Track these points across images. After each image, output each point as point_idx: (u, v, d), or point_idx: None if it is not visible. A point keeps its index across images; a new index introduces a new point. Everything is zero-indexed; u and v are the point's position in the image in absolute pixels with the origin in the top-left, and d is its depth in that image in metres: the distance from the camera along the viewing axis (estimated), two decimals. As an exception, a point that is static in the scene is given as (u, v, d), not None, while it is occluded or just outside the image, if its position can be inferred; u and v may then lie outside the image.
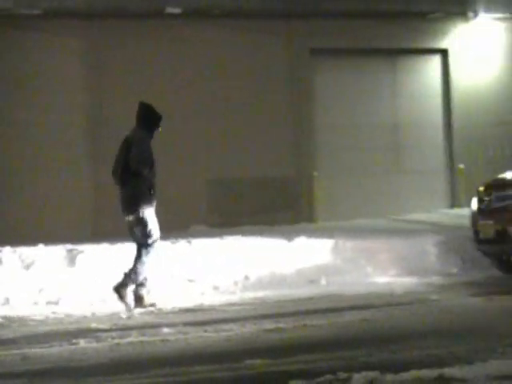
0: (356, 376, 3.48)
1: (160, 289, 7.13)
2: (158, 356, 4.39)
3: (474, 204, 7.65)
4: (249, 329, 5.14)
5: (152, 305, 6.31)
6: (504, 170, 7.91)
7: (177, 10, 11.57)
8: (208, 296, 7.10)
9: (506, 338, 4.22)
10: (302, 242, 8.40)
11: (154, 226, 6.32)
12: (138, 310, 6.21)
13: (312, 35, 12.40)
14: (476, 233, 7.50)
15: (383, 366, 3.66)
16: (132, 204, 6.28)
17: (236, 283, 7.48)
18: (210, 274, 7.56)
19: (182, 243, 8.37)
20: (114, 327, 5.45)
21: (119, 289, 6.19)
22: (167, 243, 8.39)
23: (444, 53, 13.49)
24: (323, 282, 7.64)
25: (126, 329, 5.34)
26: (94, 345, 4.78)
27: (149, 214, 6.29)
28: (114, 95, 11.42)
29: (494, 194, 7.24)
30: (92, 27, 11.47)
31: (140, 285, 6.30)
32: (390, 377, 3.44)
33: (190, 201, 11.49)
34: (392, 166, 13.13)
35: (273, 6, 12.12)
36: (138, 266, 6.24)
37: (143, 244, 6.32)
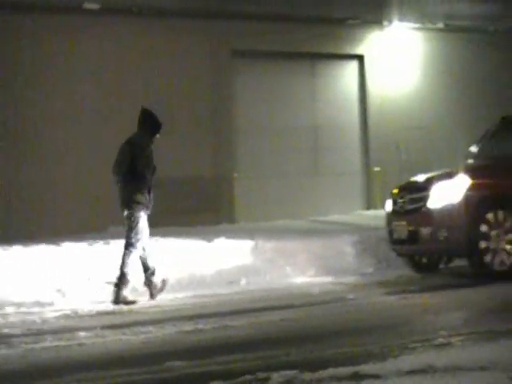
0: (275, 375, 3.53)
1: (77, 292, 6.97)
2: (74, 361, 4.28)
3: (389, 206, 7.90)
4: (168, 331, 5.10)
5: (131, 302, 6.55)
6: (416, 173, 8.22)
7: (95, 6, 11.32)
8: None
9: (417, 334, 4.39)
10: (221, 243, 8.42)
11: (142, 228, 6.69)
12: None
13: (233, 37, 12.45)
14: (390, 233, 7.74)
15: (301, 365, 3.72)
16: (130, 201, 6.66)
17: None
18: (129, 276, 7.43)
19: (99, 244, 8.21)
20: (27, 332, 5.26)
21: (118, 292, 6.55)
22: (84, 245, 8.21)
23: (361, 59, 13.88)
24: (243, 282, 7.68)
25: (40, 333, 5.17)
26: (5, 351, 4.60)
27: (141, 215, 6.70)
28: (26, 91, 11.04)
29: (407, 197, 7.50)
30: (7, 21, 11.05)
31: (119, 283, 6.60)
32: (307, 375, 3.50)
33: (108, 201, 11.22)
34: (311, 168, 13.37)
35: (194, 6, 12.06)
36: (122, 266, 6.62)
37: (127, 241, 6.68)
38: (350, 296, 6.40)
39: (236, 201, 12.26)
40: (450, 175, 7.20)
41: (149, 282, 6.81)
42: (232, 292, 7.20)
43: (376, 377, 3.37)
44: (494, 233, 6.85)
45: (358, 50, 13.79)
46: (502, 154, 7.96)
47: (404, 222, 7.41)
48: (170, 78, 11.94)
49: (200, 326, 5.20)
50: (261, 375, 3.55)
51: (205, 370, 3.83)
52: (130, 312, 6.20)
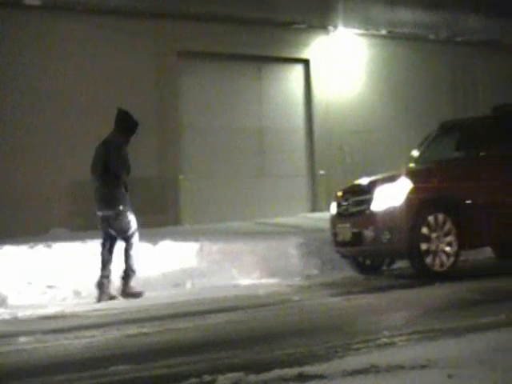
0: (220, 378, 3.52)
1: (17, 296, 6.79)
2: (14, 367, 4.17)
3: (333, 208, 8.01)
4: (112, 335, 5.02)
5: (139, 294, 6.90)
6: (360, 176, 8.36)
7: (36, 2, 11.05)
8: (69, 302, 6.86)
9: (361, 334, 4.46)
10: (167, 245, 8.36)
11: (131, 218, 6.94)
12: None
13: (180, 38, 12.38)
14: (334, 236, 7.85)
15: (247, 367, 3.73)
16: (112, 202, 6.86)
17: (99, 288, 7.26)
18: (71, 280, 7.31)
19: (40, 247, 8.01)
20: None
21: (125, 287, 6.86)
22: (24, 248, 8.01)
23: (306, 63, 14.02)
24: (188, 285, 7.65)
25: (-22, 339, 5.02)
26: None
27: (126, 209, 6.92)
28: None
29: (351, 199, 7.62)
30: None
31: (127, 276, 6.90)
32: (253, 377, 3.51)
33: (50, 203, 11.01)
34: (257, 170, 13.42)
35: (140, 5, 11.94)
36: (127, 259, 6.89)
37: (124, 238, 6.93)
38: (295, 298, 6.46)
39: (182, 202, 12.19)
40: (392, 178, 7.35)
41: (103, 282, 6.91)
42: (177, 294, 7.16)
43: (321, 377, 3.41)
44: (434, 235, 7.04)
45: (304, 54, 13.93)
46: (442, 158, 8.21)
47: (348, 225, 7.52)
48: (114, 78, 11.78)
49: (145, 330, 5.15)
50: (206, 378, 3.54)
51: (150, 374, 3.79)
52: (73, 316, 6.08)
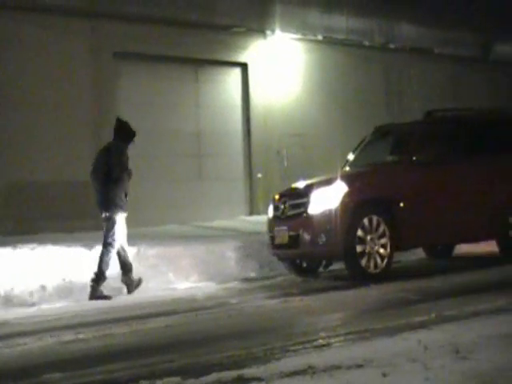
0: (158, 383, 3.50)
1: None
2: None
3: (271, 211, 8.07)
4: (46, 342, 4.91)
5: (107, 297, 7.10)
6: (297, 180, 8.46)
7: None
8: (0, 309, 6.65)
9: (299, 336, 4.52)
10: (103, 249, 8.20)
11: (118, 229, 7.30)
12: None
13: (116, 38, 12.20)
14: (272, 239, 7.91)
15: (185, 371, 3.72)
16: (109, 204, 7.26)
17: (31, 294, 7.09)
18: (3, 286, 7.09)
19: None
20: None
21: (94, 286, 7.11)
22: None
23: (244, 66, 14.08)
24: (125, 289, 7.54)
25: None
26: None
27: (119, 218, 7.33)
28: None
29: (288, 202, 7.70)
30: None
31: (97, 279, 7.14)
32: (191, 381, 3.51)
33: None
34: (194, 174, 13.37)
35: (76, 3, 11.70)
36: (100, 260, 7.23)
37: (105, 241, 7.31)
38: (233, 301, 6.47)
39: (118, 206, 12.00)
40: (328, 182, 7.47)
41: (127, 279, 7.36)
42: (114, 299, 7.06)
43: (259, 379, 3.43)
44: (369, 237, 7.20)
45: (242, 58, 13.98)
46: (376, 161, 8.40)
47: (285, 228, 7.59)
48: (51, 78, 11.49)
49: (81, 336, 5.05)
50: (144, 383, 3.51)
51: (86, 381, 3.73)
52: (5, 324, 5.89)
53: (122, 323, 5.53)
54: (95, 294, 7.11)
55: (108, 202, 7.27)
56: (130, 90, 12.62)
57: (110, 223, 7.28)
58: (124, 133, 7.52)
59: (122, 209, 7.36)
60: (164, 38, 12.62)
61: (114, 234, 7.27)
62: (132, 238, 9.06)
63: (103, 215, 7.36)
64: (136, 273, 7.91)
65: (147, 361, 4.10)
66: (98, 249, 8.14)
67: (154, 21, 12.51)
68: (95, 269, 7.21)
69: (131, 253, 8.16)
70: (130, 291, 7.39)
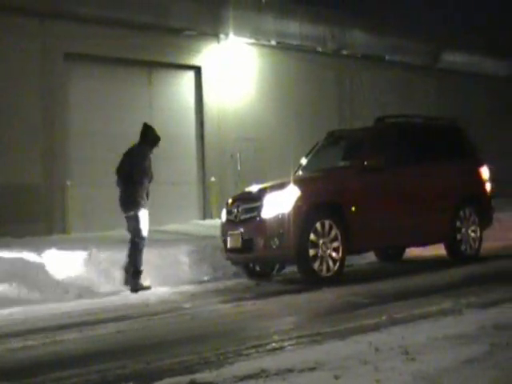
0: (110, 389, 3.46)
1: None
2: None
3: (224, 215, 8.08)
4: (-7, 349, 4.79)
5: (147, 288, 7.63)
6: (250, 184, 8.49)
7: None
8: None
9: (252, 340, 4.53)
10: (53, 254, 8.06)
11: (144, 224, 7.74)
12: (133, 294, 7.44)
13: (67, 39, 12.01)
14: (225, 243, 7.91)
15: (137, 377, 3.69)
16: (132, 204, 7.72)
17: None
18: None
19: None
20: None
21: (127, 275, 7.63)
22: None
23: (198, 70, 14.06)
24: (76, 294, 7.42)
25: None
26: None
27: (143, 214, 7.74)
28: None
29: (241, 206, 7.72)
30: None
31: (136, 274, 7.61)
32: (143, 387, 3.48)
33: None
34: (147, 177, 13.26)
35: (26, 3, 11.47)
36: (134, 257, 7.65)
37: (134, 236, 7.72)
38: (186, 305, 6.45)
39: (69, 210, 11.80)
40: (281, 186, 7.52)
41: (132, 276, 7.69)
42: (64, 305, 6.93)
43: (212, 384, 3.44)
44: (321, 241, 7.28)
45: (196, 61, 13.97)
46: (329, 166, 8.50)
47: (238, 232, 7.60)
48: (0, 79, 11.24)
49: (30, 343, 4.95)
50: (96, 390, 3.47)
51: (35, 389, 3.65)
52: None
53: (72, 329, 5.43)
54: (136, 287, 7.58)
55: (130, 202, 7.72)
56: (82, 92, 12.43)
57: (135, 220, 7.71)
58: (149, 138, 8.03)
59: (144, 207, 7.76)
60: (116, 40, 12.50)
61: (140, 229, 7.70)
62: (83, 243, 8.95)
63: (126, 214, 7.82)
64: (87, 277, 7.80)
65: (98, 367, 4.04)
66: (49, 253, 8.01)
67: (107, 22, 12.38)
68: (127, 265, 7.67)
69: (82, 257, 8.05)
70: (132, 290, 7.61)
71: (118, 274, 7.94)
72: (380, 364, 3.55)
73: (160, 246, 8.81)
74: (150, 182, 7.89)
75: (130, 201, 7.72)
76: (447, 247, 8.80)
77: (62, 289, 7.48)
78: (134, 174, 7.69)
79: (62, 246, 8.46)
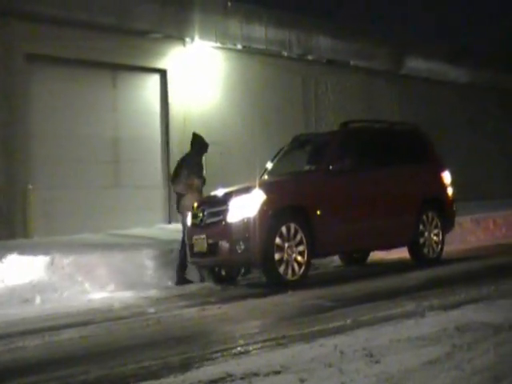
0: (73, 395, 3.41)
1: None
2: None
3: (189, 219, 8.05)
4: (-49, 356, 4.67)
5: (190, 281, 8.29)
6: (216, 188, 8.48)
7: None
8: None
9: (217, 344, 4.53)
10: (14, 259, 7.91)
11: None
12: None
13: (29, 40, 11.81)
14: (191, 247, 7.88)
15: (101, 383, 3.64)
16: (181, 207, 8.57)
17: None
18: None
19: None
20: None
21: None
22: None
23: (163, 73, 13.99)
24: (38, 300, 7.30)
25: None
26: None
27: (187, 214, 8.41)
28: None
29: (207, 210, 7.70)
30: None
31: (181, 268, 8.36)
32: (107, 393, 3.44)
33: None
34: (111, 181, 13.13)
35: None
36: (184, 251, 8.29)
37: (183, 236, 8.39)
38: (151, 310, 6.40)
39: (31, 213, 11.60)
40: (247, 190, 7.53)
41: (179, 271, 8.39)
42: (26, 311, 6.81)
43: (177, 389, 3.41)
44: (287, 245, 7.30)
45: (161, 64, 13.89)
46: (294, 170, 8.55)
47: (204, 236, 7.58)
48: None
49: (-10, 349, 4.84)
50: (58, 396, 3.42)
51: (-5, 396, 3.58)
52: None
53: (34, 335, 5.34)
54: (180, 280, 8.22)
55: (181, 205, 8.57)
56: (44, 94, 12.25)
57: (182, 221, 8.49)
58: (199, 146, 8.90)
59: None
60: (79, 41, 12.34)
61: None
62: (45, 247, 8.81)
63: (180, 215, 8.68)
64: (50, 283, 7.68)
65: (61, 373, 3.99)
66: (10, 258, 7.87)
67: (70, 23, 12.22)
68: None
69: (44, 262, 7.92)
70: (177, 283, 8.26)
71: (82, 279, 7.84)
72: (345, 366, 3.58)
73: (124, 251, 8.73)
74: (203, 185, 8.80)
75: (180, 204, 8.61)
76: (410, 250, 8.92)
77: (24, 294, 7.34)
78: (186, 180, 8.56)
79: (23, 250, 8.31)
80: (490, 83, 21.61)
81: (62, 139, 12.44)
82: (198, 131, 9.36)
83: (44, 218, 11.83)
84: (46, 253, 8.18)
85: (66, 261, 8.07)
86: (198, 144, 8.97)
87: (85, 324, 5.76)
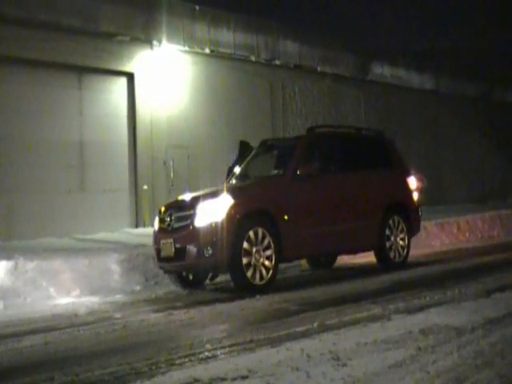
0: (37, 403, 3.36)
1: None
2: None
3: (156, 224, 7.99)
4: None
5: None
6: (183, 192, 8.45)
7: None
8: None
9: (184, 349, 4.50)
10: (-24, 264, 7.75)
11: None
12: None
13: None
14: (158, 251, 7.82)
15: (66, 389, 3.59)
16: None
17: None
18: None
19: None
20: None
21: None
22: None
23: (130, 76, 13.91)
24: (1, 306, 7.16)
25: None
26: None
27: None
28: None
29: (174, 215, 7.66)
30: None
31: None
32: (73, 399, 3.39)
33: None
34: (76, 184, 12.99)
35: None
36: None
37: None
38: (117, 315, 6.33)
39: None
40: (214, 194, 7.51)
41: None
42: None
43: (144, 395, 3.38)
44: (254, 249, 7.31)
45: (128, 67, 13.82)
46: (261, 174, 8.57)
47: (171, 240, 7.53)
48: None
49: (-50, 357, 4.73)
50: (22, 404, 3.35)
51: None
52: None
53: (-4, 341, 5.24)
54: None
55: None
56: (8, 96, 12.07)
57: None
58: (247, 152, 9.47)
59: None
60: (45, 43, 12.20)
61: None
62: (8, 251, 8.65)
63: None
64: (13, 288, 7.55)
65: (22, 381, 3.92)
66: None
67: (35, 25, 12.08)
68: None
69: (7, 266, 7.77)
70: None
71: (46, 284, 7.72)
72: (311, 370, 3.60)
73: (89, 255, 8.62)
74: None
75: None
76: (377, 254, 9.01)
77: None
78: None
79: (-15, 255, 8.15)
80: (452, 90, 22.04)
81: (26, 142, 12.27)
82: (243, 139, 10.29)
83: (7, 222, 11.64)
84: (8, 257, 8.03)
85: (30, 265, 7.93)
86: (246, 151, 9.64)
87: (49, 330, 5.67)
